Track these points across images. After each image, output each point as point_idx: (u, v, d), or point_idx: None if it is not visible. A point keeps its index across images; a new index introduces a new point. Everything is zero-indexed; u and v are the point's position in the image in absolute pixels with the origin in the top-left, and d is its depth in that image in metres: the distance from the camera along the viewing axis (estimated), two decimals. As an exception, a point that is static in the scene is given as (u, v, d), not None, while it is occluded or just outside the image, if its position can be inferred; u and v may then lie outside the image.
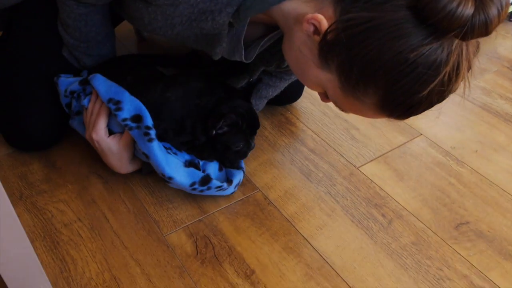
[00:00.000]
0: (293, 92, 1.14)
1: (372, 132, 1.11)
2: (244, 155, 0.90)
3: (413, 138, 1.10)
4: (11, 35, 0.96)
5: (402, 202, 0.93)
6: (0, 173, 0.92)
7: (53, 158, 0.96)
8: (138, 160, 0.89)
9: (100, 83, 0.84)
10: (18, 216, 0.59)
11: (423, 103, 0.56)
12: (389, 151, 1.06)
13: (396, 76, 0.54)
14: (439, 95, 0.56)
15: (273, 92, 1.03)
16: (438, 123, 1.16)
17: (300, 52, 0.65)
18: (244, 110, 0.86)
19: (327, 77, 0.62)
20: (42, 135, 0.93)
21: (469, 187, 0.98)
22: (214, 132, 0.82)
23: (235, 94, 0.88)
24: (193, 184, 0.84)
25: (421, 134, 1.12)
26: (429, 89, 0.54)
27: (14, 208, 0.57)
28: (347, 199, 0.93)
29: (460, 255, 0.84)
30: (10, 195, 0.87)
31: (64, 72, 0.92)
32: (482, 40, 0.55)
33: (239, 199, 0.91)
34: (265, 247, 0.83)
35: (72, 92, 0.90)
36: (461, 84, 0.57)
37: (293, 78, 1.02)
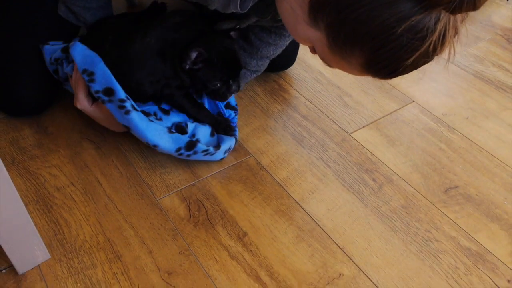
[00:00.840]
0: (286, 59, 1.13)
1: (365, 98, 1.12)
2: (223, 96, 0.87)
3: (405, 105, 1.11)
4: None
5: (393, 167, 0.94)
6: (-9, 138, 0.91)
7: (45, 124, 0.95)
8: None
9: (78, 52, 0.83)
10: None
11: (407, 67, 0.57)
12: (381, 117, 1.07)
13: (382, 41, 0.54)
14: (424, 60, 0.57)
15: (274, 51, 1.00)
16: (430, 90, 1.16)
17: (291, 6, 0.65)
18: (222, 47, 0.81)
19: (316, 35, 0.63)
20: (32, 100, 0.92)
21: (459, 152, 0.99)
22: (187, 66, 0.80)
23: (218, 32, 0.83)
24: (178, 149, 0.84)
25: (413, 101, 1.12)
26: (414, 56, 0.54)
27: (6, 169, 0.58)
28: (338, 164, 0.94)
29: (449, 217, 0.86)
30: (2, 159, 0.86)
31: (55, 33, 0.91)
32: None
33: (231, 164, 0.92)
34: (257, 210, 0.84)
35: (56, 60, 0.89)
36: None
37: None
